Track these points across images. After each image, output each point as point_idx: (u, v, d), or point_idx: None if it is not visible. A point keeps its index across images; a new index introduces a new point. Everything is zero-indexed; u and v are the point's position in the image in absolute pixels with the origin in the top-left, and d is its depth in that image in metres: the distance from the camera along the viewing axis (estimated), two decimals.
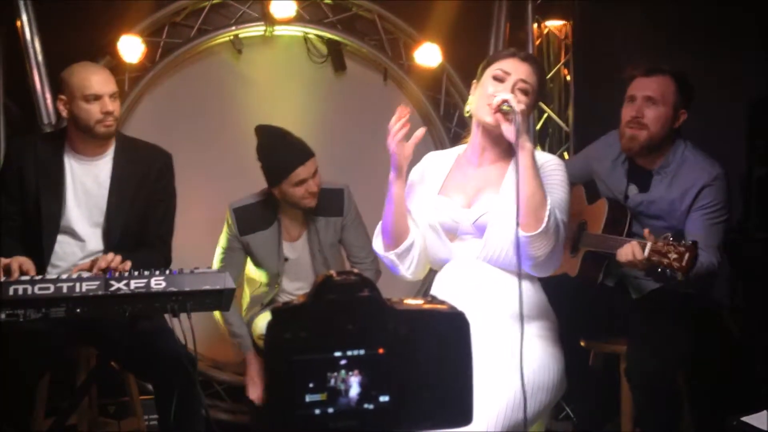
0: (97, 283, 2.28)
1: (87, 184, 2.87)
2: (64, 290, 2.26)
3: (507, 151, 2.34)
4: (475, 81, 2.41)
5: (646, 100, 2.87)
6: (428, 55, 4.05)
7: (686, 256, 2.41)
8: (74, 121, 2.81)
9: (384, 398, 1.30)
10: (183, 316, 2.34)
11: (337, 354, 1.28)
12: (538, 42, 4.27)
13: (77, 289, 2.26)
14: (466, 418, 1.34)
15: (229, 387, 3.91)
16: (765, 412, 2.09)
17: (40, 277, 2.37)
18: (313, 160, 3.25)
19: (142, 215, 2.90)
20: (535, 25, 4.20)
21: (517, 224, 2.15)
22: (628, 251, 2.53)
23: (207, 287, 2.34)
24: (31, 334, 2.53)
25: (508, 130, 2.20)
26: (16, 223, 2.82)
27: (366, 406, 1.29)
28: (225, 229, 3.36)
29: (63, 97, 2.81)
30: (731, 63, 3.67)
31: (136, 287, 2.29)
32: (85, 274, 2.39)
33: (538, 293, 2.36)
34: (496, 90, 2.29)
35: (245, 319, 3.40)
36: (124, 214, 2.86)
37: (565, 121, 4.31)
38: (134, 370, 2.98)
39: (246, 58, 3.99)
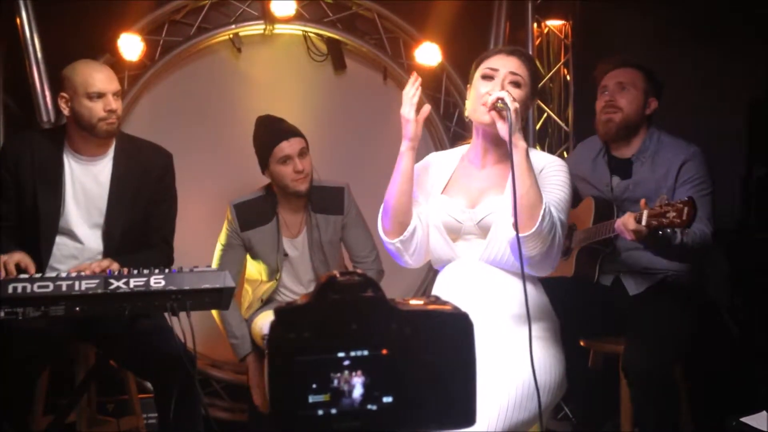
0: (97, 281, 2.27)
1: (86, 185, 2.83)
2: (64, 288, 2.25)
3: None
4: (468, 85, 2.40)
5: (618, 86, 3.03)
6: (428, 54, 4.05)
7: (685, 210, 2.47)
8: (76, 119, 2.77)
9: (387, 399, 1.29)
10: (182, 314, 2.33)
11: (341, 354, 1.28)
12: (538, 42, 4.27)
13: (76, 288, 2.25)
14: (469, 419, 1.33)
15: (228, 386, 3.91)
16: (765, 412, 2.09)
17: (39, 275, 2.36)
18: (300, 140, 3.26)
19: (142, 216, 2.87)
20: (535, 25, 4.20)
21: (516, 223, 2.13)
22: (627, 219, 2.60)
23: (206, 286, 2.34)
24: (30, 333, 2.53)
25: (503, 128, 2.19)
26: (12, 223, 2.78)
27: (369, 406, 1.29)
28: (225, 226, 3.36)
29: (65, 94, 2.77)
30: (731, 63, 3.67)
31: (136, 286, 2.29)
32: (84, 273, 2.39)
33: (540, 294, 2.35)
34: (488, 88, 2.28)
35: (245, 317, 3.40)
36: (125, 215, 2.83)
37: (564, 121, 4.31)
38: (133, 368, 2.98)
39: (246, 57, 3.99)
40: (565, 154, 4.21)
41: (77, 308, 2.27)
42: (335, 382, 1.28)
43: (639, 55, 3.25)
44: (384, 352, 1.29)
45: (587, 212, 3.04)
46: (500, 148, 2.36)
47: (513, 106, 2.17)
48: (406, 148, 2.31)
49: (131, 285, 2.29)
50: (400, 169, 2.31)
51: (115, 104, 2.76)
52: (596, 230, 2.94)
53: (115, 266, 2.56)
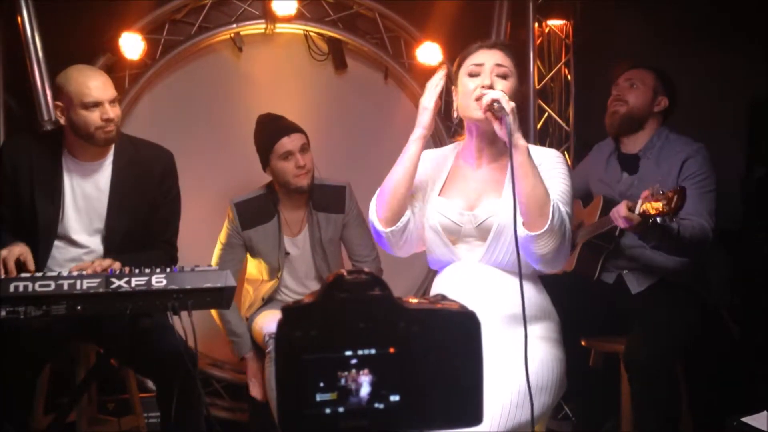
0: (98, 280, 2.27)
1: (86, 190, 2.79)
2: (65, 287, 2.25)
3: (505, 148, 2.28)
4: (454, 87, 2.38)
5: (628, 83, 3.13)
6: (429, 53, 4.05)
7: (674, 198, 2.53)
8: (73, 129, 2.70)
9: (394, 397, 1.29)
10: (183, 313, 2.33)
11: (348, 353, 1.28)
12: (538, 41, 4.27)
13: (78, 287, 2.25)
14: (476, 418, 1.33)
15: (229, 385, 3.90)
16: (765, 412, 2.09)
17: (41, 274, 2.35)
18: (300, 136, 3.28)
19: (145, 218, 2.84)
20: (536, 25, 4.20)
21: (515, 223, 2.12)
22: (621, 207, 2.68)
23: (208, 285, 2.34)
24: (31, 332, 2.52)
25: (501, 130, 2.17)
26: (11, 227, 2.73)
27: (376, 405, 1.28)
28: (226, 225, 3.36)
29: (60, 103, 2.70)
30: (731, 63, 3.67)
31: (137, 285, 2.29)
32: (86, 272, 2.39)
33: (541, 294, 2.35)
34: (476, 83, 2.27)
35: (247, 316, 3.40)
36: (125, 219, 2.80)
37: (565, 121, 4.31)
38: (135, 367, 2.97)
39: (247, 56, 3.98)
40: (566, 154, 4.22)
41: (78, 307, 2.27)
42: (342, 380, 1.28)
43: (639, 54, 3.27)
44: (391, 350, 1.29)
45: (595, 209, 3.08)
46: (495, 146, 2.33)
47: (509, 106, 2.15)
48: (417, 136, 2.30)
49: (133, 284, 2.28)
50: (406, 155, 2.29)
51: (113, 112, 2.69)
52: (598, 224, 2.97)
53: (117, 265, 2.55)
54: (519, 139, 2.17)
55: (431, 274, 4.11)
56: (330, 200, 3.38)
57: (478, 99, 2.23)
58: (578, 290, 3.04)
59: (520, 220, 2.17)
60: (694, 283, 2.99)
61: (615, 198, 3.04)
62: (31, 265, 2.53)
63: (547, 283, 2.40)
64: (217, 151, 3.93)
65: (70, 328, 2.68)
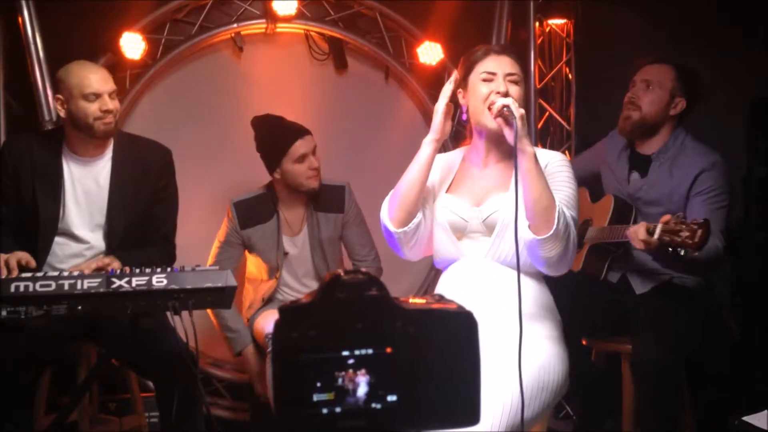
0: (99, 280, 2.27)
1: (87, 186, 2.83)
2: (66, 287, 2.24)
3: (511, 148, 2.33)
4: (460, 90, 2.41)
5: (643, 84, 3.02)
6: (430, 53, 4.05)
7: (699, 232, 2.43)
8: (72, 121, 2.76)
9: (392, 398, 1.29)
10: (184, 313, 2.33)
11: (345, 353, 1.28)
12: (539, 41, 4.27)
13: (79, 287, 2.25)
14: (473, 418, 1.33)
15: (229, 384, 3.91)
16: (765, 412, 2.09)
17: (41, 274, 2.35)
18: (312, 138, 3.30)
19: (144, 214, 2.87)
20: (537, 24, 4.20)
21: (516, 224, 2.13)
22: (640, 229, 2.55)
23: (209, 285, 2.33)
24: (32, 331, 2.53)
25: (510, 135, 2.21)
26: (12, 227, 2.77)
27: (374, 405, 1.29)
28: (225, 224, 3.37)
29: (60, 96, 2.76)
30: (731, 63, 3.67)
31: (138, 285, 2.28)
32: (86, 272, 2.39)
33: (545, 293, 2.37)
34: (490, 90, 2.32)
35: (248, 316, 3.40)
36: (126, 214, 2.83)
37: (566, 120, 4.31)
38: (135, 367, 2.98)
39: (247, 56, 3.98)
40: (567, 153, 4.22)
41: (79, 307, 2.26)
42: (340, 380, 1.28)
43: (639, 54, 3.25)
44: (388, 350, 1.29)
45: (605, 210, 3.03)
46: (502, 147, 2.38)
47: (519, 113, 2.20)
48: (429, 140, 2.36)
49: (133, 284, 2.28)
50: (419, 159, 2.34)
51: (112, 104, 2.75)
52: (610, 231, 2.93)
53: (117, 264, 2.57)
54: (527, 145, 2.20)
55: (432, 273, 4.12)
56: (329, 200, 3.39)
57: (491, 107, 2.28)
58: (583, 289, 3.04)
59: (524, 222, 2.21)
60: (699, 285, 2.98)
61: (625, 199, 3.03)
62: (33, 265, 2.54)
63: (552, 281, 2.41)
64: (218, 151, 3.94)
65: (71, 328, 2.68)
